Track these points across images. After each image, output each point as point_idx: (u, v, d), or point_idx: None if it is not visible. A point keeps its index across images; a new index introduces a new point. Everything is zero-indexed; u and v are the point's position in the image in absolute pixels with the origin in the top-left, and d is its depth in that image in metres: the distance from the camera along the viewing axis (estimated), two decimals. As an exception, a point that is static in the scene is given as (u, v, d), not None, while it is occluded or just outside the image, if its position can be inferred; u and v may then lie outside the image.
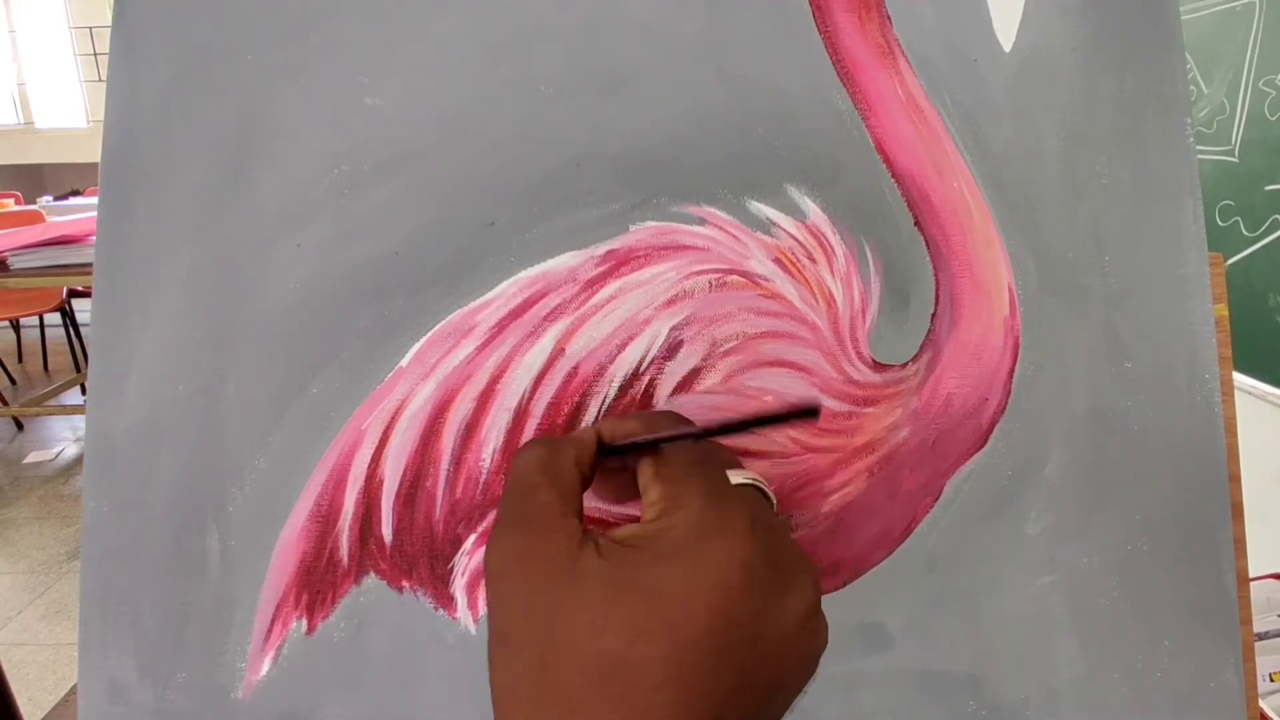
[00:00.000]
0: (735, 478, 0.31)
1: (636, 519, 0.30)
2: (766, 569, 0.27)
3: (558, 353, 0.41)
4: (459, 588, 0.42)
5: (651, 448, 0.31)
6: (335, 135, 0.42)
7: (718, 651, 0.25)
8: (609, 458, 0.33)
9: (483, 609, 0.42)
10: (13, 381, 3.81)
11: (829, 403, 0.41)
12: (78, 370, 3.64)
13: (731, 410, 0.41)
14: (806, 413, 0.27)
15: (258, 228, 0.42)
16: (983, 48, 0.42)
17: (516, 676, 0.26)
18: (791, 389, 0.41)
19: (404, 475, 0.41)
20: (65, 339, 3.67)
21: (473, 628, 0.42)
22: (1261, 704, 0.87)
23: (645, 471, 0.31)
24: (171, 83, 0.42)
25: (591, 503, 0.39)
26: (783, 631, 0.26)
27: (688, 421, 0.34)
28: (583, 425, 0.41)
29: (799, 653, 0.27)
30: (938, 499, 0.42)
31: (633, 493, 0.33)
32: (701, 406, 0.41)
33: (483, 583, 0.42)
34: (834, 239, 0.42)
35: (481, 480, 0.41)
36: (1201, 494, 0.43)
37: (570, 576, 0.26)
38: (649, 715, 0.24)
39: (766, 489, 0.32)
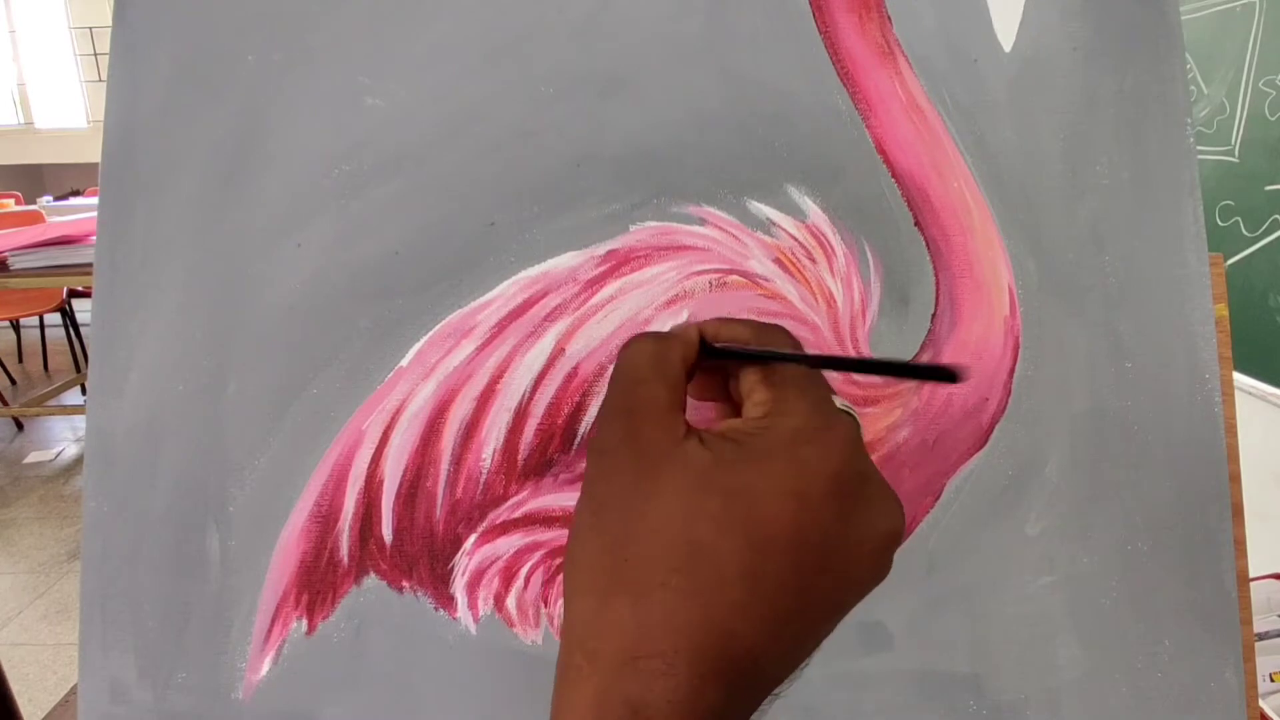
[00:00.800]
0: (837, 402, 0.31)
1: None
2: (855, 488, 0.27)
3: (558, 353, 0.41)
4: (459, 588, 0.42)
5: (758, 359, 0.31)
6: (335, 135, 0.42)
7: (794, 558, 0.25)
8: (711, 359, 0.33)
9: (482, 608, 0.42)
10: (13, 381, 3.81)
11: (829, 403, 0.41)
12: (78, 370, 3.64)
13: None
14: (944, 375, 0.27)
15: (258, 228, 0.42)
16: (983, 48, 0.42)
17: (602, 547, 0.26)
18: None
19: (404, 475, 0.41)
20: (65, 339, 3.67)
21: (473, 628, 0.42)
22: (1261, 704, 0.87)
23: (751, 374, 0.31)
24: (171, 83, 0.42)
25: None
26: (858, 552, 0.27)
27: (796, 341, 0.33)
28: (581, 433, 0.41)
29: (865, 575, 0.28)
30: (938, 499, 0.42)
31: (720, 394, 0.33)
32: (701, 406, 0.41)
33: (483, 583, 0.42)
34: (834, 239, 0.42)
35: (482, 480, 0.41)
36: (1201, 494, 0.43)
37: (671, 463, 0.27)
38: (717, 608, 0.25)
39: (859, 421, 0.32)
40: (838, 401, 0.31)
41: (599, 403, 0.41)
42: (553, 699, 0.26)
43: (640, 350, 0.31)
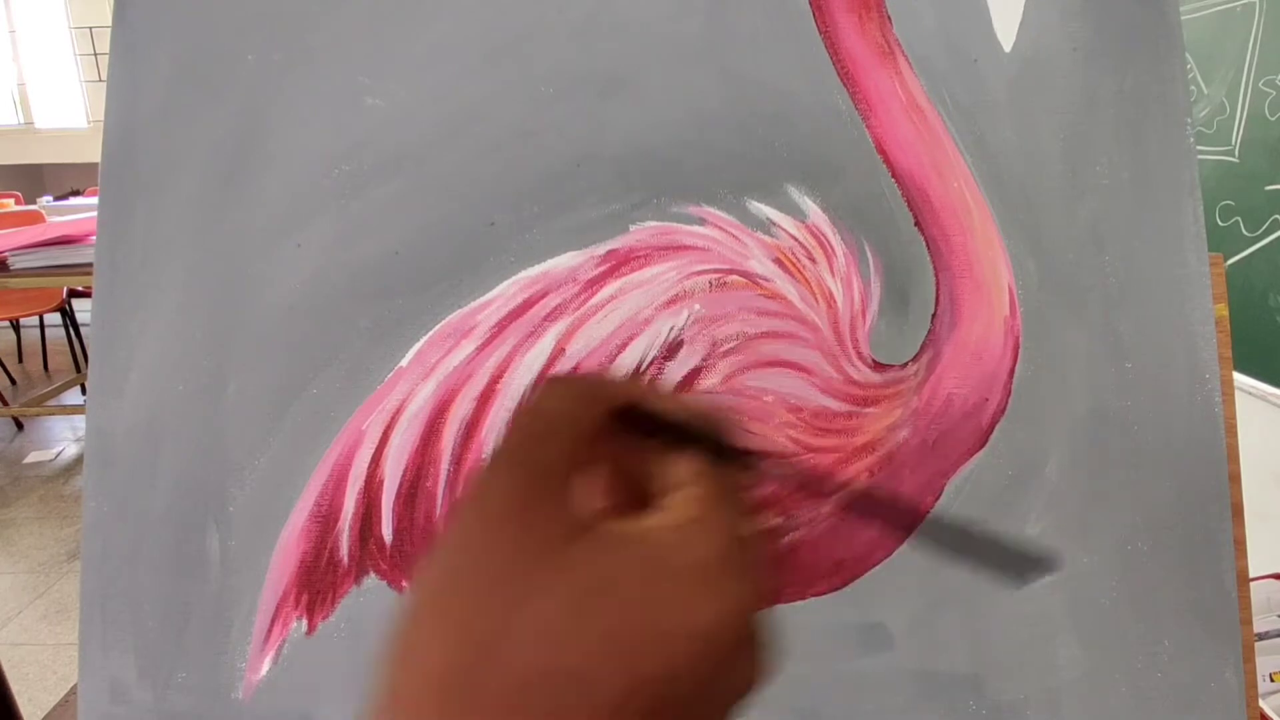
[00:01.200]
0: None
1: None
2: (751, 640, 0.24)
3: (558, 353, 0.41)
4: (459, 588, 0.42)
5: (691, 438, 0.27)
6: (335, 135, 0.42)
7: (667, 702, 0.22)
8: (642, 427, 0.28)
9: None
10: (13, 381, 3.81)
11: (829, 402, 0.41)
12: (78, 370, 3.64)
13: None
14: (1033, 563, 0.23)
15: (258, 228, 0.42)
16: (983, 48, 0.42)
17: (450, 648, 0.22)
18: (792, 389, 0.41)
19: (404, 475, 0.41)
20: (65, 339, 3.67)
21: (473, 628, 0.42)
22: (1261, 704, 0.87)
23: (684, 466, 0.27)
24: (171, 83, 0.42)
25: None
26: (732, 699, 0.24)
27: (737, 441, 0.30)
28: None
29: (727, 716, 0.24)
30: (938, 499, 0.42)
31: (630, 459, 0.29)
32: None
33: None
34: (834, 239, 0.42)
35: (481, 480, 0.41)
36: (1201, 494, 0.43)
37: (554, 561, 0.22)
38: None
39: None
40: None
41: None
42: None
43: (565, 393, 0.26)
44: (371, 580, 0.42)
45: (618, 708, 0.21)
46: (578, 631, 0.22)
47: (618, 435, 0.28)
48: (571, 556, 0.23)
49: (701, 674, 0.22)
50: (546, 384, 0.27)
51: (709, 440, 0.27)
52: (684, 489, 0.26)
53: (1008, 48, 0.42)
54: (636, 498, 0.28)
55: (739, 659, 0.24)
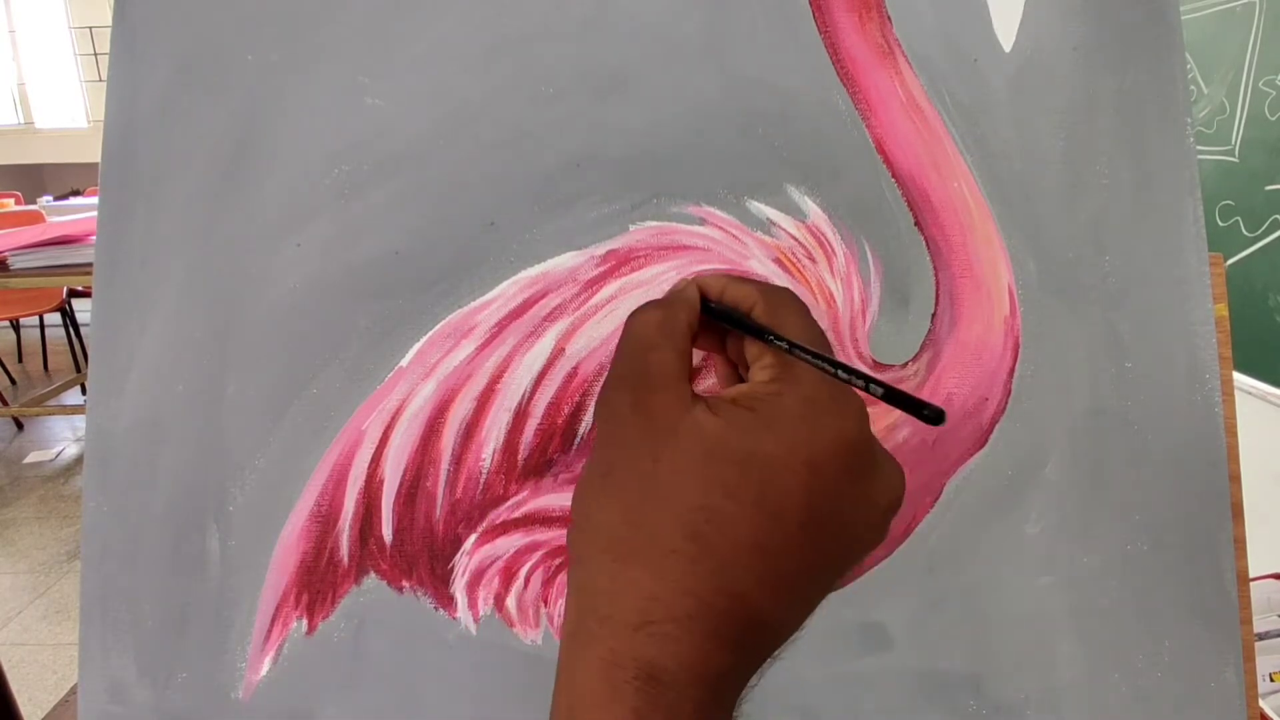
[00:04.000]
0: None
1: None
2: (865, 458, 0.27)
3: (558, 353, 0.41)
4: (459, 588, 0.42)
5: (755, 335, 0.31)
6: (335, 135, 0.42)
7: (805, 526, 0.26)
8: (712, 319, 0.32)
9: (482, 608, 0.42)
10: (13, 381, 3.81)
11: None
12: (78, 370, 3.64)
13: None
14: (931, 416, 0.27)
15: (258, 228, 0.42)
16: (983, 48, 0.42)
17: (616, 513, 0.27)
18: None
19: (404, 475, 0.41)
20: (65, 339, 3.66)
21: (473, 627, 0.42)
22: (1261, 704, 0.87)
23: (754, 344, 0.31)
24: (171, 83, 0.42)
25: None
26: (864, 519, 0.27)
27: (806, 309, 0.33)
28: (581, 433, 0.41)
29: (867, 540, 0.28)
30: (938, 499, 0.42)
31: (716, 346, 0.33)
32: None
33: (483, 583, 0.42)
34: (834, 239, 0.42)
35: (482, 480, 0.41)
36: (1201, 494, 0.42)
37: (681, 430, 0.27)
38: (730, 572, 0.25)
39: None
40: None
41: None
42: (559, 659, 0.26)
43: (648, 318, 0.31)
44: (371, 580, 0.42)
45: (758, 541, 0.25)
46: (710, 473, 0.26)
47: (713, 332, 0.33)
48: (692, 419, 0.27)
49: (826, 496, 0.26)
50: (633, 312, 0.32)
51: (774, 332, 0.31)
52: (765, 353, 0.30)
53: (1008, 48, 0.42)
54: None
55: (861, 474, 0.27)
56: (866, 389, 0.27)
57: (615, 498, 0.27)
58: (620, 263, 0.41)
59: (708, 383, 0.41)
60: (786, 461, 0.26)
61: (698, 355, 0.36)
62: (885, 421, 0.41)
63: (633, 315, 0.31)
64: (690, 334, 0.31)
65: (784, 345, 0.30)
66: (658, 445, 0.27)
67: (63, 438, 3.22)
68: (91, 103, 4.78)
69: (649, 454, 0.27)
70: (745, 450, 0.26)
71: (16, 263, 2.29)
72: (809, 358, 0.29)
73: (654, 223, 0.42)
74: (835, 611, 0.42)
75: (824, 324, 0.41)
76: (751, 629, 0.26)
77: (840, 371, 0.28)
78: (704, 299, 0.33)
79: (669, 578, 0.25)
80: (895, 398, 0.26)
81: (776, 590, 0.26)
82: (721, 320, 0.32)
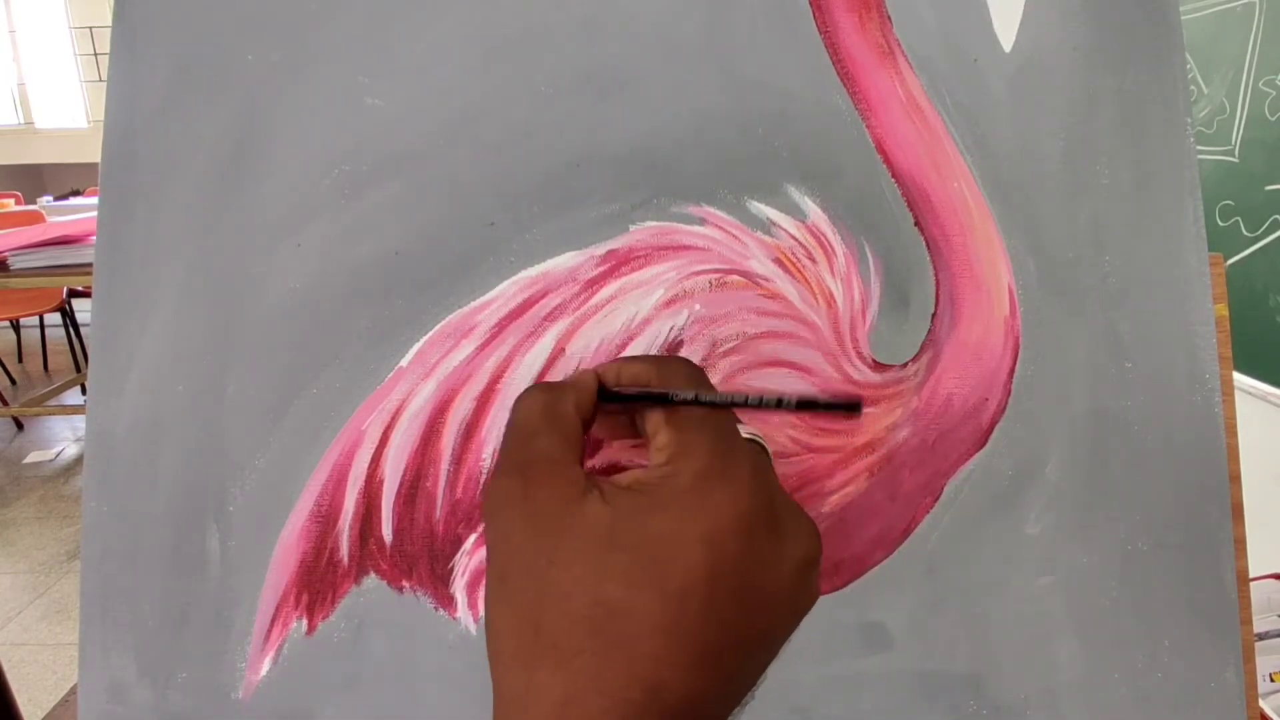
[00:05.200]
0: (744, 431, 0.30)
1: (623, 468, 0.29)
2: (766, 521, 0.27)
3: (558, 353, 0.41)
4: (459, 588, 0.42)
5: (651, 401, 0.31)
6: (335, 135, 0.42)
7: (711, 601, 0.25)
8: (609, 403, 0.32)
9: (483, 609, 0.42)
10: (13, 381, 3.81)
11: (829, 403, 0.41)
12: (78, 370, 3.64)
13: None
14: (847, 406, 0.27)
15: (258, 228, 0.42)
16: (983, 48, 0.42)
17: (514, 619, 0.26)
18: (792, 389, 0.41)
19: (404, 475, 0.41)
20: (65, 339, 3.67)
21: (473, 628, 0.42)
22: (1261, 704, 0.87)
23: (654, 417, 0.30)
24: (171, 83, 0.42)
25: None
26: (777, 583, 0.27)
27: (701, 373, 0.33)
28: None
29: (791, 603, 0.27)
30: (938, 499, 0.42)
31: (631, 432, 0.33)
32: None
33: (484, 583, 0.42)
34: (834, 239, 0.42)
35: (482, 480, 0.41)
36: (1201, 494, 0.43)
37: (570, 522, 0.26)
38: (640, 663, 0.24)
39: (768, 448, 0.31)
40: (744, 430, 0.31)
41: (599, 403, 0.41)
42: None
43: (532, 402, 0.30)
44: (371, 580, 0.42)
45: (664, 625, 0.25)
46: (605, 566, 0.25)
47: (607, 416, 0.33)
48: (581, 512, 0.26)
49: (729, 568, 0.26)
50: (519, 397, 0.31)
51: (667, 393, 0.31)
52: (659, 433, 0.30)
53: (1008, 48, 0.42)
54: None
55: (763, 539, 0.27)
56: (778, 406, 0.27)
57: (513, 604, 0.26)
58: (620, 263, 0.41)
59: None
60: (681, 539, 0.25)
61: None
62: (885, 422, 0.41)
63: (517, 400, 0.31)
64: (580, 416, 0.31)
65: (684, 398, 0.29)
66: (549, 543, 0.26)
67: (63, 438, 3.22)
68: (91, 103, 4.78)
69: (542, 553, 0.26)
70: (638, 535, 0.26)
71: (16, 263, 2.29)
72: (697, 404, 0.28)
73: (654, 223, 0.42)
74: (835, 612, 0.42)
75: (824, 324, 0.41)
76: (677, 714, 0.25)
77: (749, 399, 0.27)
78: (602, 386, 0.32)
79: (579, 679, 0.24)
80: (808, 405, 0.27)
81: (694, 671, 0.25)
82: (622, 400, 0.32)
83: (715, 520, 0.26)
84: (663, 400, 0.30)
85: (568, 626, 0.25)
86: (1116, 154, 0.42)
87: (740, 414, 0.38)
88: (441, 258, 0.42)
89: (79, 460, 3.01)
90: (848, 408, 0.26)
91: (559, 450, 0.29)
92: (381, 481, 0.41)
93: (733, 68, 0.41)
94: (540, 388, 0.32)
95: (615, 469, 0.40)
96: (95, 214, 0.43)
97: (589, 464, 0.32)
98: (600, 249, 0.41)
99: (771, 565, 0.27)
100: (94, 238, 0.43)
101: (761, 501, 0.27)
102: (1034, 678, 0.42)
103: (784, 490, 0.29)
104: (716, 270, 0.41)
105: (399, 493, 0.41)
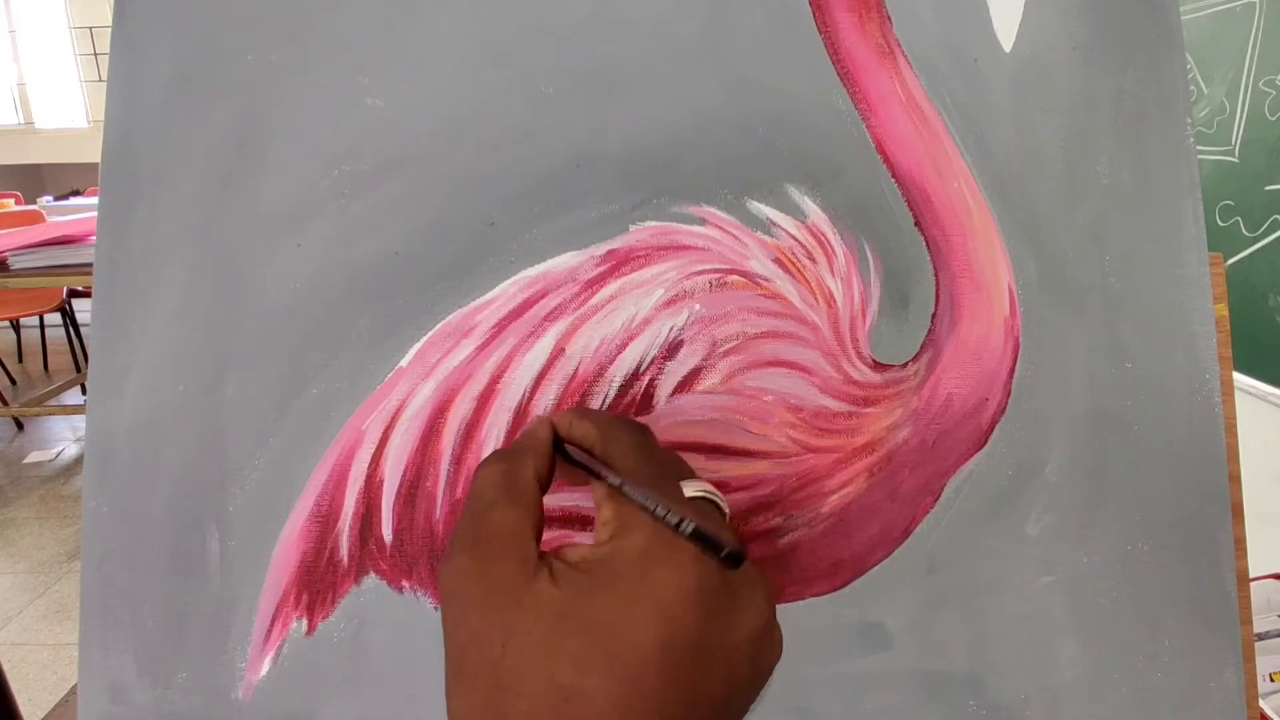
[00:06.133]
0: (688, 490, 0.30)
1: (580, 516, 0.29)
2: (715, 591, 0.27)
3: (558, 353, 0.41)
4: (459, 588, 0.42)
5: (587, 471, 0.31)
6: (335, 135, 0.42)
7: (666, 678, 0.25)
8: (564, 458, 0.32)
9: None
10: (13, 381, 3.81)
11: (829, 402, 0.41)
12: (78, 370, 3.64)
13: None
14: (731, 557, 0.26)
15: (258, 228, 0.42)
16: (983, 48, 0.42)
17: (472, 707, 0.26)
18: (792, 389, 0.41)
19: (404, 475, 0.41)
20: (65, 339, 3.66)
21: (473, 628, 0.42)
22: (1261, 704, 0.87)
23: (599, 487, 0.30)
24: (171, 83, 0.42)
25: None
26: (733, 650, 0.27)
27: (646, 438, 0.33)
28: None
29: (750, 668, 0.27)
30: (938, 499, 0.42)
31: (585, 480, 0.33)
32: (701, 406, 0.41)
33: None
34: (834, 239, 0.42)
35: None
36: (1201, 494, 0.43)
37: (522, 605, 0.26)
38: None
39: (720, 501, 0.31)
40: (691, 488, 0.30)
41: (599, 403, 0.41)
42: None
43: (489, 473, 0.30)
44: (371, 580, 0.42)
45: (621, 707, 0.24)
46: (558, 650, 0.25)
47: (566, 470, 0.32)
48: (533, 592, 0.26)
49: (680, 645, 0.25)
50: (478, 467, 0.31)
51: (597, 469, 0.31)
52: (603, 506, 0.29)
53: (1008, 48, 0.42)
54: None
55: (713, 612, 0.26)
56: (675, 528, 0.26)
57: (472, 691, 0.26)
58: (620, 263, 0.41)
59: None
60: (630, 620, 0.25)
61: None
62: (885, 422, 0.41)
63: (477, 470, 0.31)
64: (537, 483, 0.30)
65: (613, 483, 0.29)
66: (503, 623, 0.26)
67: (63, 438, 3.22)
68: (91, 103, 4.78)
69: (496, 637, 0.26)
70: (588, 617, 0.25)
71: (16, 263, 2.29)
72: (635, 496, 0.28)
73: (654, 223, 0.42)
74: (835, 611, 0.42)
75: (824, 324, 0.41)
76: None
77: (658, 509, 0.27)
78: (558, 437, 0.32)
79: None
80: (700, 538, 0.26)
81: None
82: (569, 462, 0.32)
83: (662, 598, 0.26)
84: (594, 475, 0.30)
85: (527, 709, 0.25)
86: (1116, 154, 0.42)
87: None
88: (441, 258, 0.42)
89: (79, 460, 3.01)
90: (731, 558, 0.26)
91: (514, 525, 0.28)
92: (381, 481, 0.41)
93: (733, 68, 0.41)
94: (500, 456, 0.31)
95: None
96: (95, 214, 0.43)
97: (549, 504, 0.32)
98: (600, 249, 0.41)
99: (725, 632, 0.26)
100: (94, 238, 0.43)
101: (707, 572, 0.27)
102: (1034, 677, 0.42)
103: None
104: (716, 270, 0.41)
105: (399, 493, 0.41)
